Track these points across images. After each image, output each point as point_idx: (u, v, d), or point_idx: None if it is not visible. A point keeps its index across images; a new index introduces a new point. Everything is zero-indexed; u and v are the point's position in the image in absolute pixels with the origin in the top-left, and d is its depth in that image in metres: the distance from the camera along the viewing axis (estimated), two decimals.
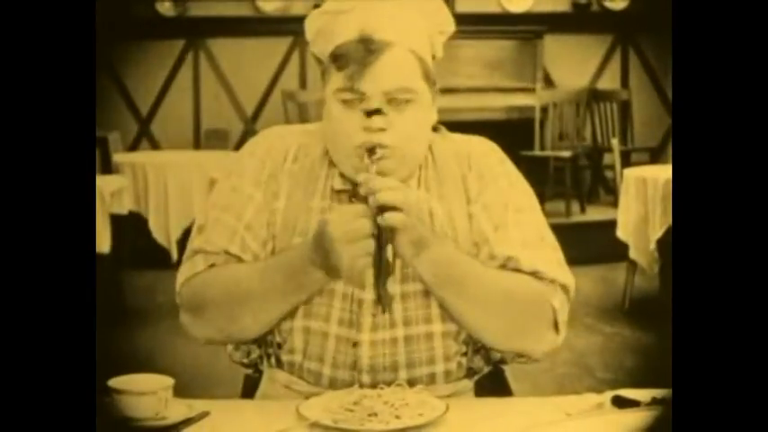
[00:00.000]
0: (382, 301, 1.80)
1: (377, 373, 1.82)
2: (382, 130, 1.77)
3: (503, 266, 1.82)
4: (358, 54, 1.77)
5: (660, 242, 5.43)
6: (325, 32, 1.86)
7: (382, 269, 1.77)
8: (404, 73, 1.79)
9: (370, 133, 1.77)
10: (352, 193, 1.83)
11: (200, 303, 1.84)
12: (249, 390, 1.99)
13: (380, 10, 1.82)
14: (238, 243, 1.84)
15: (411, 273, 1.81)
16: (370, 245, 1.70)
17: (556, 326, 1.83)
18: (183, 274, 1.87)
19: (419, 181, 1.87)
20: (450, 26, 1.90)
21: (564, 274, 1.85)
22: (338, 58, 1.80)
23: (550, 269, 1.83)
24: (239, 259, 1.84)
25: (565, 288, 1.84)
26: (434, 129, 1.91)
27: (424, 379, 1.84)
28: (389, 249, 1.75)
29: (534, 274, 1.82)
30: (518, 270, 1.82)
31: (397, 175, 1.80)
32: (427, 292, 1.82)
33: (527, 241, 1.84)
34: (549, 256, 1.85)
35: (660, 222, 5.43)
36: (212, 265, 1.84)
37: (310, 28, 1.89)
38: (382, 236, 1.73)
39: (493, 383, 1.95)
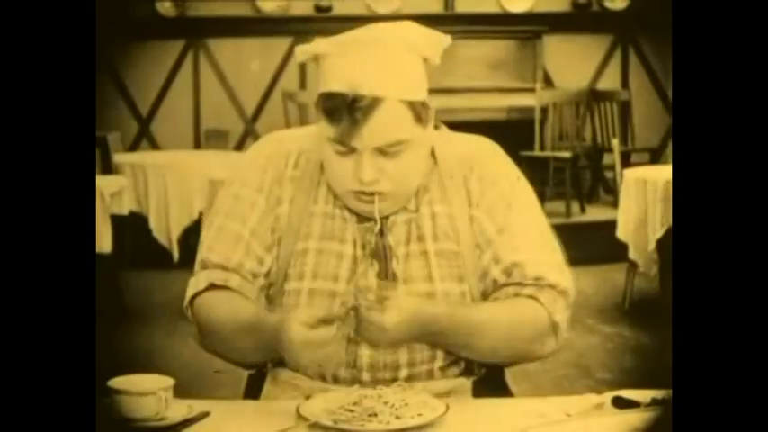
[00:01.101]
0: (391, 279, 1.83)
1: (377, 371, 1.83)
2: (375, 180, 1.77)
3: (506, 271, 1.84)
4: (348, 112, 1.73)
5: (660, 243, 5.43)
6: (315, 61, 1.82)
7: (387, 256, 1.82)
8: (395, 127, 1.76)
9: (363, 185, 1.77)
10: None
11: (201, 328, 1.89)
12: (252, 389, 1.99)
13: (369, 57, 1.76)
14: (243, 248, 1.86)
15: (408, 273, 1.83)
16: (332, 351, 1.70)
17: (556, 333, 1.86)
18: (190, 287, 1.89)
19: (421, 186, 1.87)
20: (446, 41, 1.85)
21: (565, 278, 1.87)
22: (328, 111, 1.76)
23: (553, 275, 1.85)
24: (239, 274, 1.85)
25: (565, 293, 1.86)
26: (435, 127, 1.90)
27: (423, 375, 1.85)
28: (390, 237, 1.82)
29: (537, 281, 1.84)
30: (522, 278, 1.83)
31: (394, 209, 1.84)
32: (426, 292, 1.83)
33: (531, 245, 1.86)
34: (551, 260, 1.87)
35: (660, 223, 5.43)
36: (213, 285, 1.86)
37: (299, 57, 1.85)
38: (383, 225, 1.80)
39: (492, 384, 1.95)
